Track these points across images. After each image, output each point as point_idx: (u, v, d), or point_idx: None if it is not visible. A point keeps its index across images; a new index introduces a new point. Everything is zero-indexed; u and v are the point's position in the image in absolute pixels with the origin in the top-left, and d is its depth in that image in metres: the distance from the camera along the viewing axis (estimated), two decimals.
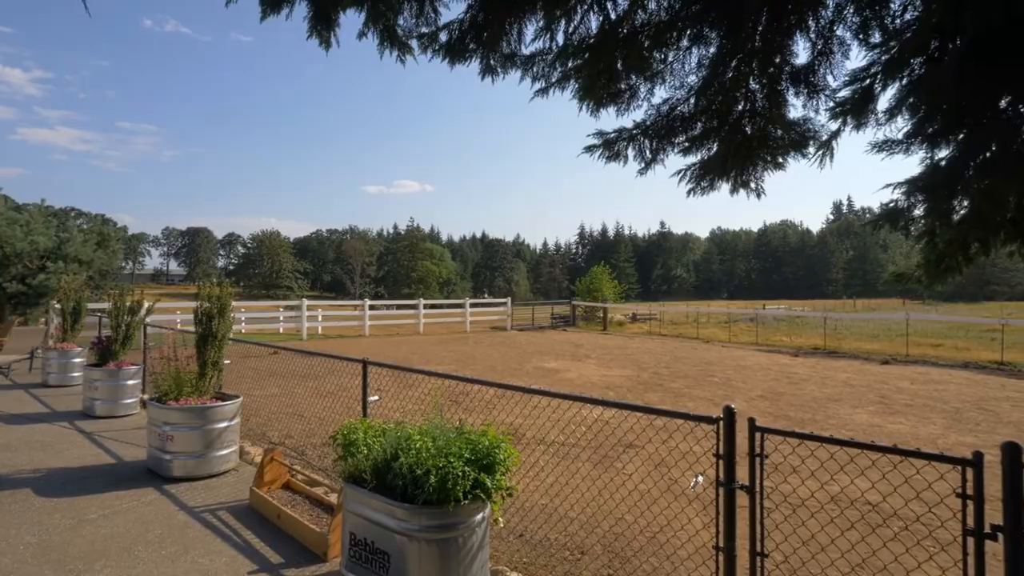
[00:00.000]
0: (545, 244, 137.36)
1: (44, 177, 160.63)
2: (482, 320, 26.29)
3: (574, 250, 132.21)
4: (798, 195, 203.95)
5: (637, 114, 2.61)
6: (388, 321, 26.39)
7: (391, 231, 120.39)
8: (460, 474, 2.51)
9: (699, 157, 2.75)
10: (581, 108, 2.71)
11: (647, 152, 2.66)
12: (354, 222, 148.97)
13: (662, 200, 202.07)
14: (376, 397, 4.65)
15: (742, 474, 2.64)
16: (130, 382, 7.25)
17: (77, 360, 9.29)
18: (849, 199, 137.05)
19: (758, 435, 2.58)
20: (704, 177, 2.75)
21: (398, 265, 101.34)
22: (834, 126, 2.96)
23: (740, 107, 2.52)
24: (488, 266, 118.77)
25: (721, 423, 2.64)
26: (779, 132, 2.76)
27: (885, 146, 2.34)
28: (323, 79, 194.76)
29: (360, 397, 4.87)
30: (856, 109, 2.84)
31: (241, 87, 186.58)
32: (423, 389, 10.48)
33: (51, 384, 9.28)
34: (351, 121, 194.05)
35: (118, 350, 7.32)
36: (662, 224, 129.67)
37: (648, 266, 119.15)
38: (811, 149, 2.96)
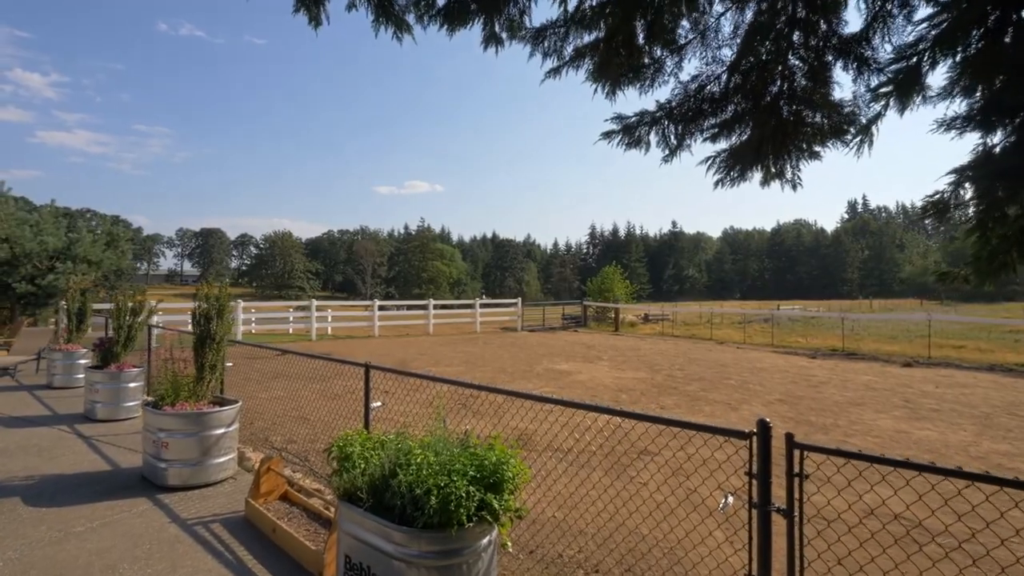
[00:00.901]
0: (556, 244, 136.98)
1: (61, 179, 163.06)
2: (492, 321, 26.07)
3: (585, 250, 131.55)
4: (812, 194, 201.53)
5: (661, 94, 2.35)
6: (398, 322, 26.26)
7: (402, 231, 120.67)
8: (464, 495, 2.26)
9: (729, 143, 2.47)
10: (596, 89, 2.45)
11: (672, 137, 2.39)
12: (365, 223, 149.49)
13: (675, 199, 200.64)
14: (379, 403, 4.42)
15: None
16: (131, 384, 7.09)
17: (82, 361, 9.17)
18: (864, 198, 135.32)
19: (797, 452, 2.31)
20: (735, 166, 2.48)
21: (409, 265, 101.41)
22: (876, 108, 2.68)
23: (777, 86, 2.25)
24: (499, 266, 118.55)
25: (755, 438, 2.37)
26: (817, 117, 2.47)
27: (954, 124, 2.06)
28: (334, 81, 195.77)
29: (363, 403, 4.65)
30: (901, 90, 2.55)
31: (254, 89, 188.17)
32: (430, 392, 10.25)
33: (55, 386, 9.17)
34: (362, 122, 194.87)
35: (120, 352, 7.16)
36: (674, 224, 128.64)
37: (660, 266, 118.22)
38: (849, 136, 2.69)
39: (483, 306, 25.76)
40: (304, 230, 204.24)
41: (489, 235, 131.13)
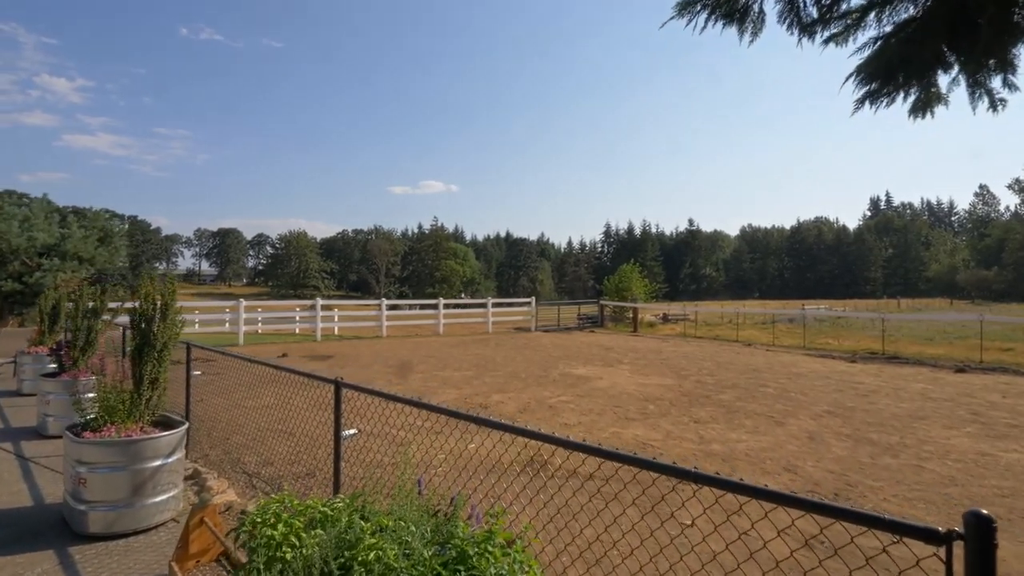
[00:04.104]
0: (570, 243, 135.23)
1: (85, 181, 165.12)
2: (505, 320, 25.05)
3: (600, 249, 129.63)
4: (832, 191, 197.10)
5: None
6: (407, 322, 25.37)
7: (416, 231, 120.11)
8: None
9: (891, 27, 1.43)
10: None
11: (808, 3, 1.36)
12: (380, 223, 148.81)
13: (692, 196, 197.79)
14: (353, 431, 3.43)
15: None
16: (89, 395, 6.18)
17: (52, 366, 8.34)
18: (888, 194, 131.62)
19: None
20: (901, 68, 1.43)
21: (422, 265, 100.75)
22: None
23: None
24: (512, 265, 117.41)
25: (962, 545, 1.32)
26: None
27: None
28: (348, 83, 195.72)
29: (342, 426, 3.68)
30: None
31: (271, 91, 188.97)
32: (435, 401, 9.26)
33: (24, 392, 8.38)
34: (378, 123, 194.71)
35: (77, 357, 6.28)
36: (690, 222, 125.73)
37: (676, 265, 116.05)
38: None
39: (496, 305, 24.74)
40: (319, 230, 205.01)
41: (503, 234, 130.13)
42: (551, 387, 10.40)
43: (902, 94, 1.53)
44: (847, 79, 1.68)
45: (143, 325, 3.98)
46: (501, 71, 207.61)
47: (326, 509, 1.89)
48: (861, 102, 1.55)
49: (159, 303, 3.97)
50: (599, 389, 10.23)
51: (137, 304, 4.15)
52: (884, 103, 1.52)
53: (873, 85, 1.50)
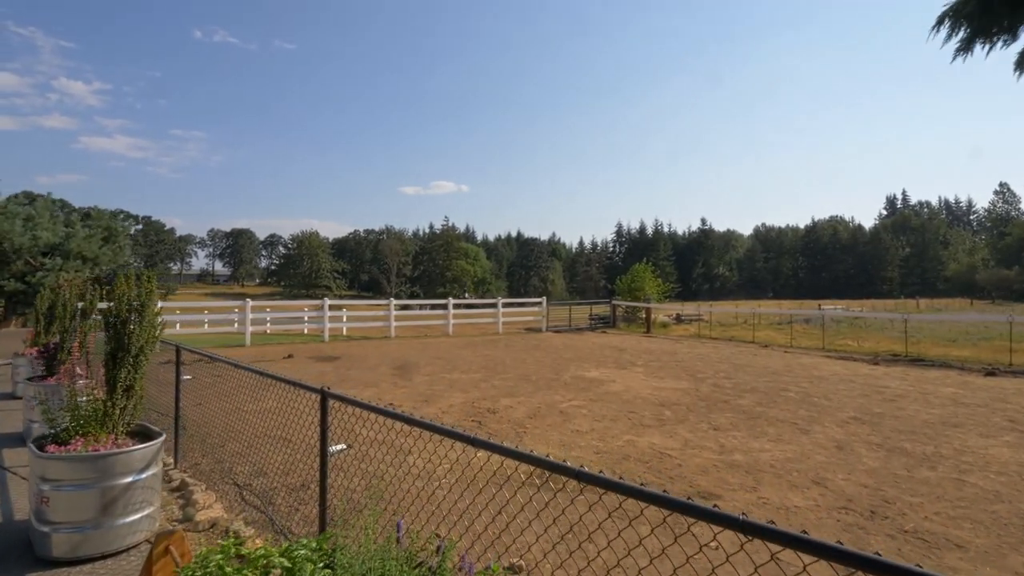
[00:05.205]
0: (581, 243, 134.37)
1: (102, 183, 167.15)
2: (515, 321, 24.68)
3: (611, 248, 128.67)
4: (848, 190, 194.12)
5: None
6: (416, 322, 25.10)
7: (427, 231, 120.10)
8: None
9: None
10: None
11: None
12: (391, 223, 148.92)
13: (703, 196, 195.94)
14: (342, 446, 3.09)
15: None
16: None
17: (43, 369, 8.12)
18: (904, 193, 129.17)
19: None
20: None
21: (433, 265, 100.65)
22: None
23: None
24: (523, 265, 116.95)
25: None
26: None
27: None
28: (361, 84, 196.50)
29: (333, 441, 3.34)
30: None
31: (284, 92, 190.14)
32: (441, 405, 8.89)
33: (19, 395, 8.17)
34: (390, 124, 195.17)
35: (64, 359, 6.01)
36: (703, 221, 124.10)
37: (688, 264, 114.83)
38: None
39: (506, 305, 24.37)
40: (332, 230, 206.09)
41: (514, 234, 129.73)
42: (562, 391, 10.02)
43: (1008, 38, 1.15)
44: (936, 25, 1.31)
45: (117, 327, 3.67)
46: (513, 71, 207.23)
47: (284, 559, 1.55)
48: (965, 46, 1.17)
49: (135, 304, 3.66)
50: (612, 393, 9.84)
51: (110, 305, 3.84)
52: (1001, 43, 1.15)
53: (972, 28, 1.12)
